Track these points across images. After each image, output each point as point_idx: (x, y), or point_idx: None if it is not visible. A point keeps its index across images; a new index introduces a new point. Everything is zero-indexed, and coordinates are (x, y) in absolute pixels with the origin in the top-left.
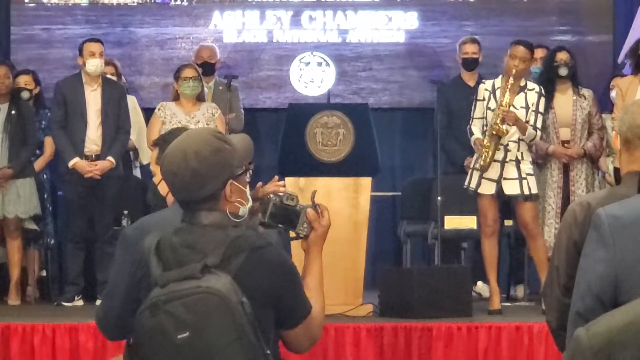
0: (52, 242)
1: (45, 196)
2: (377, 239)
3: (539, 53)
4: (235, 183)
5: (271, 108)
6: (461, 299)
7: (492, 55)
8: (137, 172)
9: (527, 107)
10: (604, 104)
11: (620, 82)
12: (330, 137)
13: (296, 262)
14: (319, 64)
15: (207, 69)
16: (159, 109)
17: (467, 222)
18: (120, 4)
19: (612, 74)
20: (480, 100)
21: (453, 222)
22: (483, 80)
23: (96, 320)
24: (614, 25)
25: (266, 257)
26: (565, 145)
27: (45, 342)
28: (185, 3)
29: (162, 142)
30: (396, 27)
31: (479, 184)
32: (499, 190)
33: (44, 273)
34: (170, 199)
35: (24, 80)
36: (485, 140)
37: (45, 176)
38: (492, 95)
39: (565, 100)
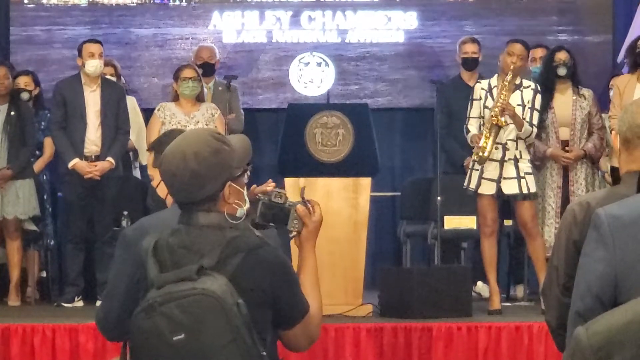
0: (52, 242)
1: (45, 197)
2: (377, 239)
3: (539, 53)
4: (234, 184)
5: (271, 108)
6: (461, 299)
7: (491, 55)
8: (136, 173)
9: (523, 105)
10: (604, 104)
11: (618, 80)
12: (329, 138)
13: (296, 262)
14: (319, 64)
15: (207, 69)
16: (158, 110)
17: (467, 222)
18: (120, 4)
19: (611, 73)
20: (476, 99)
21: (453, 222)
22: (479, 80)
23: (96, 321)
24: (614, 24)
25: (263, 258)
26: (566, 148)
27: (45, 343)
28: (184, 3)
29: (157, 146)
30: (396, 27)
31: (478, 184)
32: (498, 190)
33: (43, 274)
34: (169, 200)
35: (23, 81)
36: (485, 131)
37: (45, 177)
38: (488, 94)
39: (565, 100)
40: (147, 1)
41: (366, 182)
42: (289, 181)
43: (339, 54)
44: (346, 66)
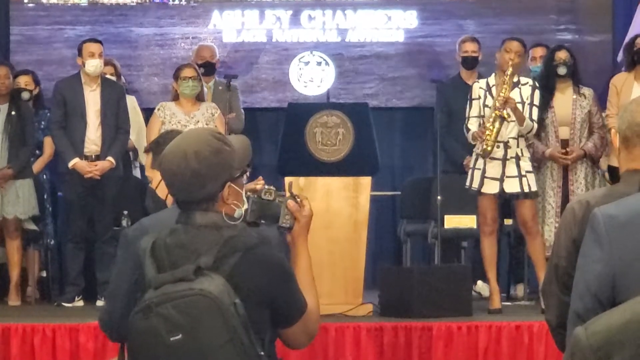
0: (52, 242)
1: (45, 196)
2: (377, 238)
3: (539, 52)
4: (233, 185)
5: (271, 108)
6: (461, 298)
7: (491, 54)
8: (136, 173)
9: (522, 102)
10: (603, 104)
11: (615, 79)
12: (329, 137)
13: None
14: (319, 64)
15: (208, 68)
16: (158, 109)
17: (467, 221)
18: (120, 4)
19: (611, 73)
20: (475, 99)
21: (453, 222)
22: (477, 80)
23: (99, 321)
24: (614, 24)
25: (260, 257)
26: (566, 148)
27: (45, 342)
28: (184, 3)
29: (155, 147)
30: (395, 26)
31: (481, 184)
32: (501, 189)
33: (44, 273)
34: (169, 201)
35: (24, 81)
36: (488, 124)
37: (45, 176)
38: (487, 92)
39: (565, 99)
40: (147, 0)
41: (366, 181)
42: (289, 180)
43: (339, 53)
44: (346, 65)
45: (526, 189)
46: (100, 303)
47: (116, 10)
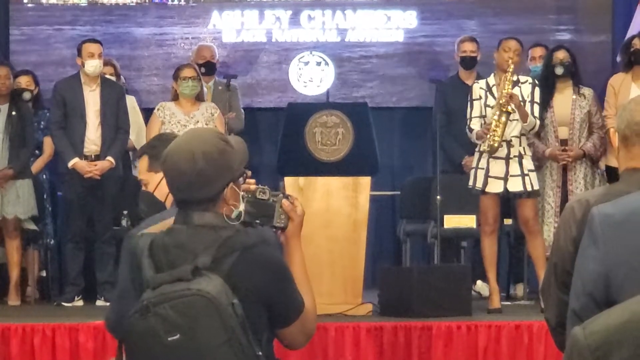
0: (52, 242)
1: (45, 196)
2: (376, 238)
3: (538, 52)
4: (234, 186)
5: (270, 108)
6: (461, 298)
7: (490, 54)
8: (136, 172)
9: (523, 100)
10: (603, 104)
11: (612, 79)
12: (329, 137)
13: None
14: (318, 64)
15: (209, 68)
16: (158, 109)
17: (467, 221)
18: (119, 4)
19: (610, 73)
20: (476, 99)
21: (452, 221)
22: (476, 80)
23: (105, 322)
24: (613, 24)
25: (258, 257)
26: (565, 148)
27: (45, 342)
28: (183, 3)
29: (151, 150)
30: (395, 26)
31: (485, 183)
32: (504, 188)
33: (43, 273)
34: (169, 202)
35: (24, 81)
36: (494, 121)
37: (44, 176)
38: (488, 92)
39: (564, 99)
40: (147, 1)
41: (366, 181)
42: (288, 180)
43: (338, 53)
44: (346, 65)
45: (529, 188)
46: (100, 303)
47: (116, 10)
